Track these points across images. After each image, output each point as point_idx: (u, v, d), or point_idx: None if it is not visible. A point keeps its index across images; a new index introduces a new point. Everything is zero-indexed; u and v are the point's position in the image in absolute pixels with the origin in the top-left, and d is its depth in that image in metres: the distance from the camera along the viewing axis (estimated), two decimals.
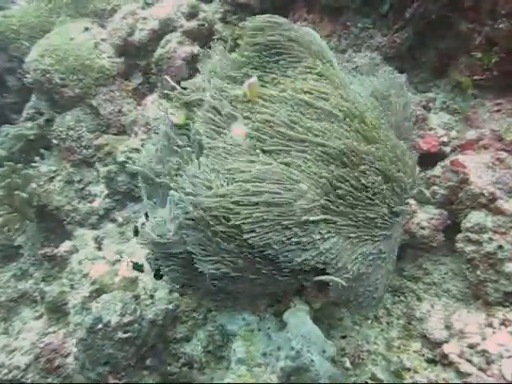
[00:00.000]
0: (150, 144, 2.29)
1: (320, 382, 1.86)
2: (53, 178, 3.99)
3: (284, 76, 1.95)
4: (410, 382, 2.14)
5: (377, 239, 1.84)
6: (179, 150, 2.01)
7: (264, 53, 2.02)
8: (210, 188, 1.72)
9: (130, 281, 2.99)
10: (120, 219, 3.71)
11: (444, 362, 2.11)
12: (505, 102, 2.50)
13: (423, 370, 2.15)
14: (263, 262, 1.74)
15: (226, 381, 2.03)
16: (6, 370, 3.13)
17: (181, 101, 2.13)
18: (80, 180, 3.94)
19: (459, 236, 2.32)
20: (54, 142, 4.04)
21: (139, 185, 2.31)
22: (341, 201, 1.75)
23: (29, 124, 4.29)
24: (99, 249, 3.56)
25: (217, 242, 1.73)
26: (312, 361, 1.87)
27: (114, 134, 3.94)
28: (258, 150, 1.78)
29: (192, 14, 3.70)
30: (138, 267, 2.73)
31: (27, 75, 4.02)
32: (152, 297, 2.78)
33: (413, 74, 2.94)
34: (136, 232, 2.40)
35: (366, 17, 3.06)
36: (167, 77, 2.16)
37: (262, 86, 1.98)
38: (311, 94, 1.86)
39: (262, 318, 2.14)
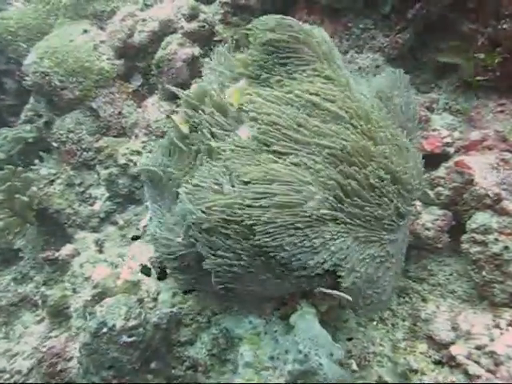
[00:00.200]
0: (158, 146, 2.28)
1: None
2: (53, 181, 3.98)
3: (290, 79, 1.94)
4: (418, 383, 2.14)
5: (384, 241, 1.83)
6: (187, 153, 2.00)
7: (272, 55, 2.00)
8: (218, 191, 1.71)
9: (132, 284, 2.98)
10: (121, 222, 3.69)
11: (451, 363, 2.11)
12: (508, 102, 2.51)
13: (430, 371, 2.15)
14: (274, 265, 1.73)
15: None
16: (7, 375, 3.12)
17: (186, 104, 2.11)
18: (81, 183, 3.92)
19: (464, 237, 2.32)
20: (54, 144, 4.02)
21: (144, 187, 2.30)
22: (349, 200, 1.74)
23: (27, 127, 4.27)
24: (100, 252, 3.55)
25: (227, 245, 1.72)
26: (320, 364, 1.86)
27: (114, 137, 3.92)
28: (266, 153, 1.77)
29: (192, 16, 3.68)
30: (146, 271, 2.72)
31: (26, 78, 4.00)
32: (155, 300, 2.78)
33: (414, 75, 2.94)
34: (136, 238, 2.40)
35: (367, 18, 3.06)
36: (175, 89, 2.12)
37: (268, 86, 1.98)
38: (318, 95, 1.85)
39: (268, 321, 2.13)
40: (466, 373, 2.02)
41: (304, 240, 1.68)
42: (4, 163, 3.98)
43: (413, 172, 1.87)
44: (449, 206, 2.46)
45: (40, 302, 3.41)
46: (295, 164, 1.73)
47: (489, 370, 1.96)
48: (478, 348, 2.05)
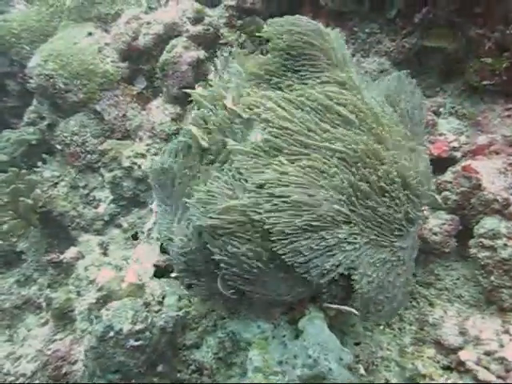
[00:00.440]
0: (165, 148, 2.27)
1: None
2: (56, 183, 3.97)
3: (303, 84, 1.94)
4: None
5: (394, 247, 1.83)
6: (193, 156, 2.00)
7: (288, 61, 2.00)
8: (231, 196, 1.71)
9: (137, 287, 2.97)
10: (125, 225, 3.70)
11: (460, 369, 2.10)
12: None
13: (439, 376, 2.14)
14: (289, 269, 1.73)
15: None
16: (12, 378, 3.11)
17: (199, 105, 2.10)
18: (85, 185, 3.92)
19: (472, 242, 2.32)
20: (58, 147, 4.02)
21: (151, 190, 2.30)
22: (360, 203, 1.74)
23: (31, 129, 4.27)
24: (105, 254, 3.55)
25: (242, 250, 1.72)
26: (330, 369, 1.85)
27: (119, 139, 3.92)
28: (278, 157, 1.78)
29: (197, 19, 3.69)
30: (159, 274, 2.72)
31: (30, 80, 4.00)
32: (160, 303, 2.77)
33: (420, 79, 2.94)
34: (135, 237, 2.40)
35: (373, 22, 3.06)
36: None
37: (279, 89, 1.98)
38: (330, 99, 1.85)
39: (276, 325, 2.12)
40: (475, 378, 2.02)
41: (320, 242, 1.67)
42: (7, 165, 3.98)
43: (422, 177, 1.87)
44: (456, 211, 2.46)
45: (44, 304, 3.41)
46: (308, 168, 1.73)
47: (499, 376, 1.95)
48: (488, 354, 2.04)
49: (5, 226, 3.48)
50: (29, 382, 3.05)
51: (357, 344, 2.28)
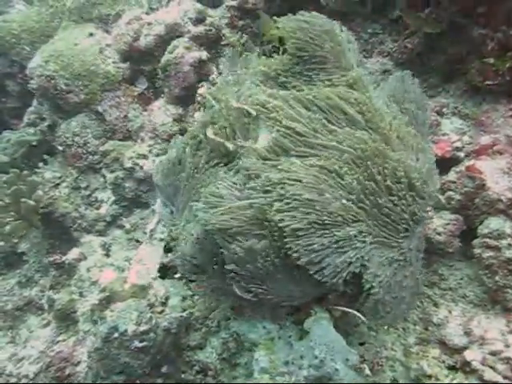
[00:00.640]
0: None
1: None
2: (58, 184, 3.97)
3: (311, 85, 1.95)
4: None
5: (401, 247, 1.83)
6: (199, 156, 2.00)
7: (299, 65, 2.01)
8: (239, 197, 1.72)
9: (140, 288, 2.97)
10: (127, 225, 3.70)
11: (466, 369, 2.11)
12: None
13: (444, 376, 2.15)
14: (302, 268, 1.73)
15: None
16: (14, 379, 3.11)
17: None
18: (86, 186, 3.92)
19: (476, 242, 2.32)
20: (60, 148, 4.02)
21: (152, 190, 2.29)
22: (369, 202, 1.75)
23: (31, 130, 4.26)
24: (107, 255, 3.54)
25: (254, 249, 1.73)
26: (336, 369, 1.86)
27: (120, 140, 3.92)
28: (286, 157, 1.78)
29: (199, 20, 3.69)
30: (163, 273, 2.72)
31: (31, 81, 3.99)
32: (163, 304, 2.77)
33: (422, 79, 2.95)
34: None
35: (375, 22, 3.07)
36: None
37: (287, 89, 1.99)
38: (339, 98, 1.86)
39: (282, 326, 2.13)
40: (481, 378, 2.02)
41: (331, 240, 1.68)
42: (8, 166, 3.98)
43: (428, 178, 1.88)
44: (459, 211, 2.46)
45: (46, 306, 3.40)
46: (317, 167, 1.73)
47: (505, 377, 1.96)
48: (493, 354, 2.05)
49: (7, 228, 3.48)
50: (32, 383, 3.05)
51: (361, 344, 2.28)
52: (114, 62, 3.97)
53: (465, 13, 2.64)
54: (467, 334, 2.22)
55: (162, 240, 3.21)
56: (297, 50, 2.01)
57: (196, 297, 2.65)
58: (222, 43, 3.70)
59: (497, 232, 2.22)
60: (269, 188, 1.71)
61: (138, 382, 2.45)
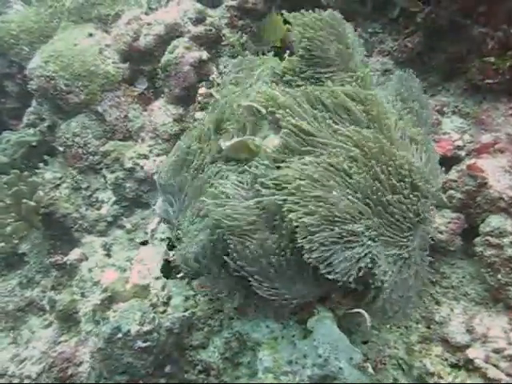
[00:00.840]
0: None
1: None
2: (58, 185, 3.97)
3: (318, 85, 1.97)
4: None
5: (405, 245, 1.84)
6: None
7: (307, 65, 2.04)
8: (246, 197, 1.73)
9: (141, 288, 2.98)
10: (128, 226, 3.70)
11: (468, 366, 2.12)
12: None
13: (447, 374, 2.16)
14: (311, 265, 1.74)
15: None
16: (17, 380, 3.11)
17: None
18: (87, 187, 3.92)
19: (477, 240, 2.33)
20: (60, 148, 4.01)
21: (160, 190, 2.29)
22: (374, 200, 1.75)
23: (31, 130, 4.26)
24: (109, 256, 3.55)
25: (263, 248, 1.74)
26: (340, 368, 1.87)
27: (120, 140, 3.92)
28: (294, 156, 1.80)
29: (199, 20, 3.69)
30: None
31: (31, 82, 3.99)
32: (165, 304, 2.77)
33: (422, 78, 2.95)
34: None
35: (375, 22, 3.08)
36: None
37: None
38: (346, 95, 1.88)
39: (285, 325, 2.13)
40: (484, 376, 2.03)
41: (340, 235, 1.69)
42: (7, 167, 3.98)
43: (433, 177, 1.88)
44: (461, 209, 2.47)
45: (48, 306, 3.40)
46: (324, 164, 1.74)
47: (508, 374, 1.97)
48: (496, 351, 2.06)
49: (8, 228, 3.48)
50: (35, 383, 3.05)
51: (364, 343, 2.29)
52: (113, 63, 3.96)
53: (465, 12, 2.65)
54: (470, 331, 2.23)
55: (163, 240, 3.22)
56: (306, 52, 2.03)
57: (198, 296, 2.66)
58: (223, 43, 3.70)
59: (498, 230, 2.23)
60: (280, 185, 1.73)
61: (141, 382, 2.46)
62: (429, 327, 2.39)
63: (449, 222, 2.45)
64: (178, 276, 2.73)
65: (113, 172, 3.80)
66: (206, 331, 2.50)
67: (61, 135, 3.98)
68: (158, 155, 3.70)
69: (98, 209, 3.83)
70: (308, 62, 2.04)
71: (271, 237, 1.77)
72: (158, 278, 2.96)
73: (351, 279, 1.71)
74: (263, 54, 3.03)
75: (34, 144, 4.20)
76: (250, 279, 1.85)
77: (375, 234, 1.75)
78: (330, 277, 1.70)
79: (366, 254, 1.71)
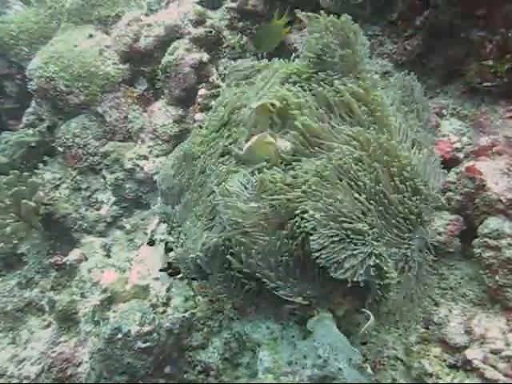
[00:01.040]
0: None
1: None
2: (58, 185, 3.98)
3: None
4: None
5: (406, 246, 1.85)
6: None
7: (316, 70, 2.08)
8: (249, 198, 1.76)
9: (141, 288, 2.98)
10: (128, 226, 3.71)
11: (467, 367, 2.13)
12: None
13: (445, 375, 2.17)
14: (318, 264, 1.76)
15: None
16: (16, 380, 3.11)
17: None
18: (87, 187, 3.93)
19: (476, 241, 2.35)
20: (60, 149, 4.03)
21: (160, 192, 2.30)
22: (377, 201, 1.77)
23: (30, 131, 4.27)
24: (108, 256, 3.56)
25: (271, 246, 1.77)
26: (340, 369, 1.87)
27: (120, 141, 3.94)
28: (302, 157, 1.84)
29: (199, 21, 3.71)
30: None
31: (31, 82, 4.00)
32: (165, 305, 2.77)
33: (421, 81, 2.96)
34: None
35: (374, 24, 3.09)
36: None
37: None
38: (351, 96, 1.92)
39: (285, 326, 2.14)
40: (482, 377, 2.05)
41: (347, 235, 1.71)
42: (7, 167, 3.99)
43: (434, 179, 1.90)
44: (459, 211, 2.49)
45: (47, 307, 3.41)
46: (333, 166, 1.77)
47: (506, 375, 1.98)
48: (494, 352, 2.07)
49: (7, 229, 3.48)
50: (34, 383, 3.06)
51: (363, 344, 2.31)
52: (113, 64, 3.98)
53: (464, 15, 2.67)
54: (468, 332, 2.24)
55: (162, 241, 3.22)
56: (319, 56, 2.07)
57: (198, 297, 2.67)
58: (223, 45, 3.72)
59: (496, 232, 2.24)
60: (291, 185, 1.76)
61: (140, 382, 2.46)
62: (427, 328, 2.39)
63: (447, 224, 2.46)
64: (178, 277, 2.75)
65: (112, 173, 3.82)
66: (206, 332, 2.51)
67: (61, 136, 4.00)
68: (158, 156, 3.72)
69: (98, 209, 3.84)
70: (320, 66, 2.06)
71: (277, 236, 1.79)
72: (157, 279, 2.97)
73: (360, 278, 1.72)
74: (262, 56, 3.05)
75: (33, 144, 4.21)
76: (258, 277, 1.87)
77: (378, 234, 1.76)
78: (341, 277, 1.71)
79: (372, 253, 1.72)
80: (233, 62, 3.17)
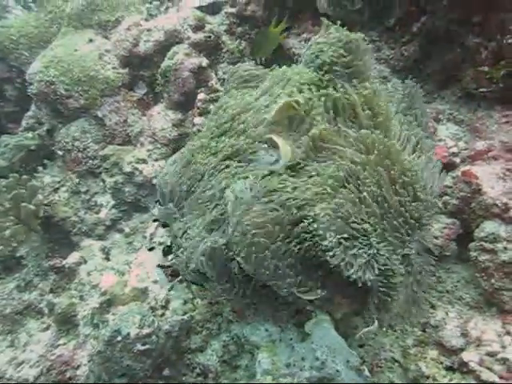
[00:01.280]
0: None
1: None
2: (57, 188, 3.99)
3: None
4: None
5: (405, 247, 1.87)
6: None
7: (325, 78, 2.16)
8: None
9: (140, 291, 3.00)
10: (127, 229, 3.72)
11: (463, 369, 2.15)
12: None
13: (442, 377, 2.19)
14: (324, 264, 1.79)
15: None
16: (14, 383, 3.12)
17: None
18: (86, 191, 3.95)
19: (472, 245, 2.37)
20: (59, 152, 4.05)
21: (160, 195, 2.32)
22: (379, 202, 1.81)
23: (29, 134, 4.28)
24: (107, 259, 3.57)
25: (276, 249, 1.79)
26: (337, 371, 1.90)
27: (119, 145, 3.95)
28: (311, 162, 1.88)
29: (198, 26, 3.74)
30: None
31: (31, 86, 4.02)
32: (164, 307, 2.79)
33: None
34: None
35: (372, 30, 3.12)
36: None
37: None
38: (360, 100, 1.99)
39: (283, 328, 2.16)
40: (478, 379, 2.07)
41: (354, 235, 1.75)
42: (6, 170, 4.01)
43: (432, 184, 1.93)
44: (456, 215, 2.52)
45: (46, 309, 3.42)
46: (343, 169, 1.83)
47: (502, 377, 2.00)
48: (490, 355, 2.09)
49: (7, 232, 3.49)
50: None
51: (361, 346, 2.33)
52: (113, 68, 4.00)
53: (460, 21, 2.71)
54: (464, 335, 2.26)
55: (161, 244, 3.24)
56: (331, 66, 2.14)
57: (197, 300, 2.69)
58: (223, 50, 3.75)
59: (492, 236, 2.27)
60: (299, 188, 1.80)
61: None
62: (424, 331, 2.42)
63: (444, 228, 2.49)
64: (177, 279, 2.76)
65: (112, 176, 3.83)
66: (205, 334, 2.53)
67: (60, 139, 4.01)
68: (157, 160, 3.74)
69: (97, 213, 3.85)
70: (331, 74, 2.14)
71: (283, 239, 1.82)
72: (156, 282, 2.99)
73: (371, 277, 1.75)
74: (261, 60, 3.08)
75: (32, 148, 4.22)
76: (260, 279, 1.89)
77: (381, 236, 1.80)
78: (354, 276, 1.74)
79: (379, 254, 1.75)
80: (232, 66, 3.18)
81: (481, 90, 2.68)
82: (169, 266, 2.82)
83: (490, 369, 2.06)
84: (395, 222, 1.80)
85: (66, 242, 3.74)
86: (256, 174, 1.91)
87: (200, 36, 3.71)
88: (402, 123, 2.08)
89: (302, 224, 1.79)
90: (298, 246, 1.80)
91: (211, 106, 3.44)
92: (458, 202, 2.49)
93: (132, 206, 3.79)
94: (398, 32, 3.00)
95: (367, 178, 1.80)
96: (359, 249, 1.74)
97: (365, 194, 1.79)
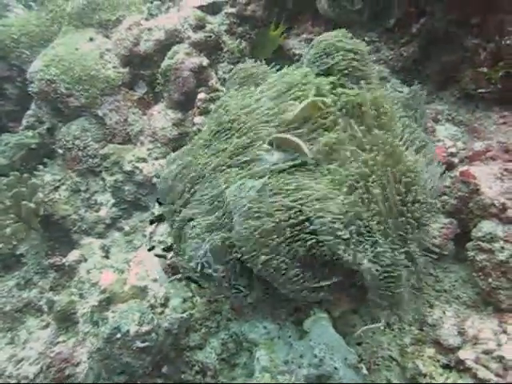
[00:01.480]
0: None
1: None
2: (57, 187, 4.01)
3: None
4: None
5: (405, 246, 1.89)
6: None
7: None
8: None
9: (139, 289, 3.01)
10: (127, 228, 3.74)
11: (460, 367, 2.16)
12: (511, 114, 2.59)
13: (439, 375, 2.20)
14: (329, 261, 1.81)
15: None
16: (14, 380, 3.13)
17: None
18: (86, 189, 3.96)
19: (469, 245, 2.38)
20: (60, 151, 4.06)
21: (161, 195, 2.33)
22: (383, 201, 1.83)
23: (30, 133, 4.29)
24: (107, 257, 3.58)
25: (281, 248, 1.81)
26: (335, 368, 1.91)
27: (120, 144, 3.97)
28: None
29: (199, 26, 3.75)
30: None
31: (32, 85, 4.03)
32: (163, 305, 2.80)
33: None
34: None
35: (371, 31, 3.14)
36: None
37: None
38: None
39: (281, 326, 2.18)
40: (475, 377, 2.08)
41: (360, 232, 1.79)
42: (7, 169, 4.02)
43: (432, 185, 1.95)
44: (453, 215, 2.53)
45: (45, 307, 3.43)
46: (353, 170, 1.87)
47: (498, 375, 2.02)
48: (486, 353, 2.10)
49: (7, 230, 3.51)
50: (32, 383, 3.07)
51: (359, 344, 2.34)
52: (114, 67, 4.02)
53: (459, 23, 2.73)
54: (461, 334, 2.27)
55: (161, 242, 3.25)
56: (343, 71, 2.23)
57: (196, 298, 2.69)
58: (222, 50, 3.76)
59: (490, 235, 2.28)
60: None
61: (138, 382, 2.49)
62: (422, 329, 2.42)
63: (442, 227, 2.50)
64: (177, 277, 2.78)
65: (112, 175, 3.85)
66: (204, 332, 2.53)
67: (61, 138, 4.03)
68: (157, 159, 3.75)
69: (97, 211, 3.87)
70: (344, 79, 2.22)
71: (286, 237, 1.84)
72: (155, 280, 3.00)
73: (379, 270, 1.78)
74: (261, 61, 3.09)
75: (33, 146, 4.23)
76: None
77: (386, 234, 1.82)
78: (362, 267, 1.79)
79: (383, 251, 1.77)
80: (232, 66, 3.19)
81: (479, 90, 2.70)
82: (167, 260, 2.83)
83: (486, 367, 2.07)
84: (398, 221, 1.82)
85: (66, 240, 3.75)
86: (260, 174, 1.92)
87: (200, 36, 3.72)
88: (405, 126, 2.10)
89: (307, 222, 1.81)
90: (302, 245, 1.82)
91: (211, 106, 3.45)
92: (456, 202, 2.50)
93: (132, 204, 3.81)
94: (397, 33, 3.02)
95: (375, 178, 1.83)
96: (366, 245, 1.77)
97: (376, 191, 1.82)
